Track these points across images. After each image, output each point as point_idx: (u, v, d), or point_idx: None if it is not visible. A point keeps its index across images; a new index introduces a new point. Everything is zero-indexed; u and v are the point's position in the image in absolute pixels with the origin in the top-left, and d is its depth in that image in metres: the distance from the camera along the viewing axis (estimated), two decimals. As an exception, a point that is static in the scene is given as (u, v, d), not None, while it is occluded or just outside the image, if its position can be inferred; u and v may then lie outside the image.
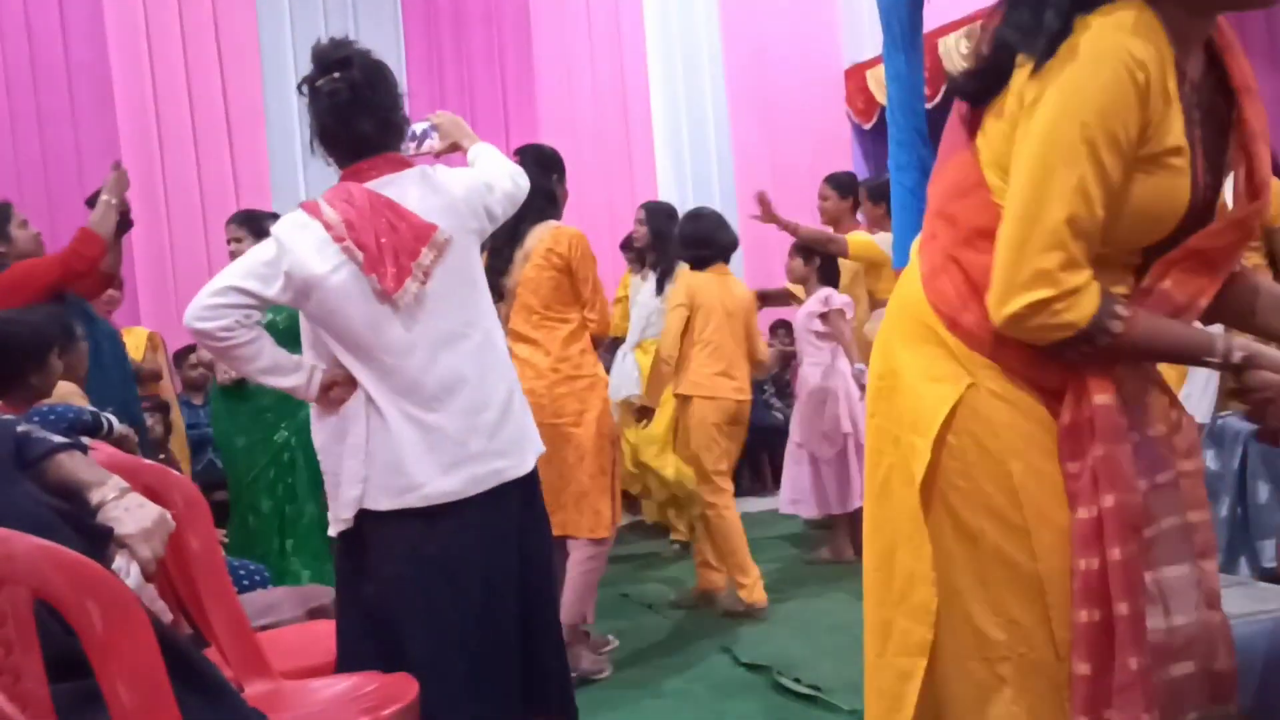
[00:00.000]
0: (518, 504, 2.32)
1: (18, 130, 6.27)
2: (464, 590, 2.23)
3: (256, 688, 2.01)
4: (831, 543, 4.91)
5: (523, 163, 2.95)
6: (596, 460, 3.41)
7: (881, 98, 7.51)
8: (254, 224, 4.36)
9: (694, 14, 7.75)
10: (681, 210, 4.90)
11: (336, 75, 2.22)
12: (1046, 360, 1.41)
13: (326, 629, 2.56)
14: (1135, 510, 1.38)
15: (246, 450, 4.28)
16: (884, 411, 1.54)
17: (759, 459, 6.72)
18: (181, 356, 5.81)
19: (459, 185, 2.31)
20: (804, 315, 4.79)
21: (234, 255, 4.31)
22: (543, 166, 3.47)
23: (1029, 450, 1.42)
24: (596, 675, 3.46)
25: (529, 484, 2.36)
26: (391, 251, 2.17)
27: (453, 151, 2.57)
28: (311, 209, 2.24)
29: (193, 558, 2.05)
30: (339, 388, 2.27)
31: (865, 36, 7.71)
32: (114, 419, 2.86)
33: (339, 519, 2.30)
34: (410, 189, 2.26)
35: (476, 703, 2.22)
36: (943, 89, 6.34)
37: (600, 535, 3.44)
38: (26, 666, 1.13)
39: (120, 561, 1.54)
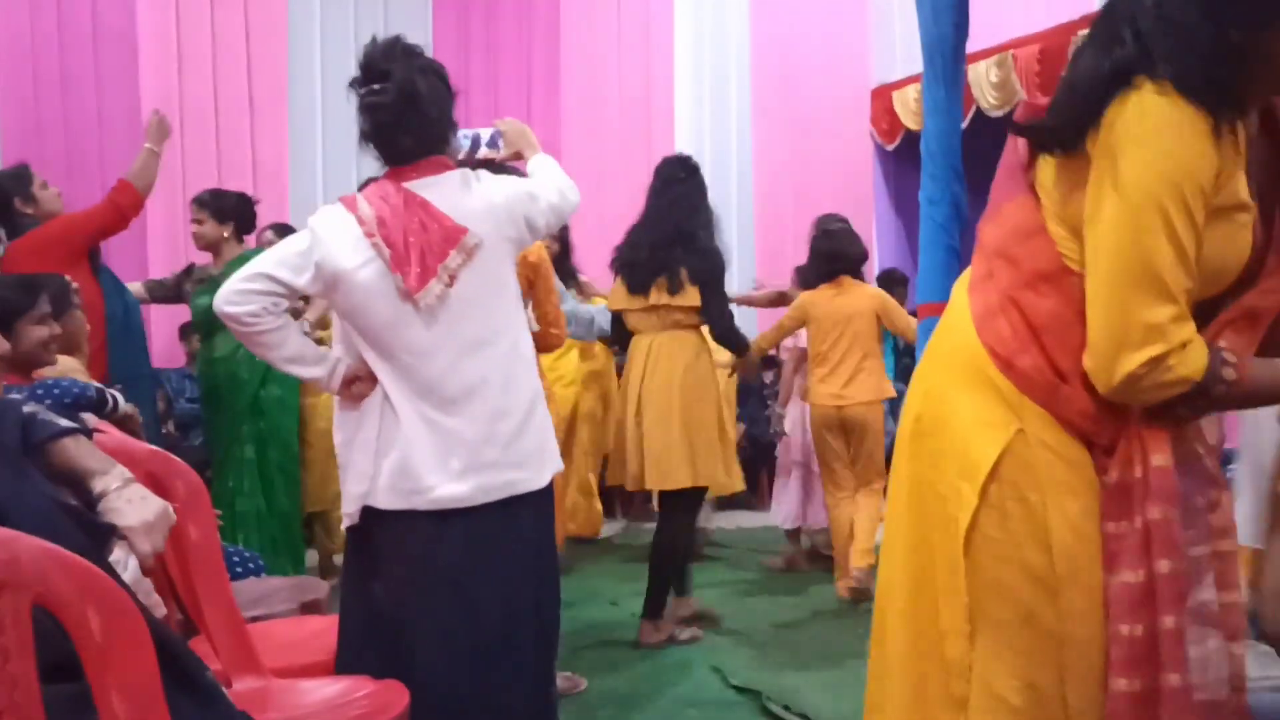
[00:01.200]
0: (531, 519, 2.28)
1: (40, 92, 6.25)
2: (474, 603, 2.20)
3: (246, 684, 1.98)
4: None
5: None
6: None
7: (907, 120, 7.50)
8: (216, 204, 4.36)
9: (724, 24, 7.73)
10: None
11: (375, 88, 2.21)
12: (1106, 415, 1.37)
13: (320, 625, 2.53)
14: (1188, 579, 1.34)
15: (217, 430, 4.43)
16: (921, 455, 1.50)
17: (758, 474, 6.69)
18: (187, 330, 5.79)
19: (499, 193, 2.29)
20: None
21: (195, 236, 4.34)
22: None
23: (1071, 506, 1.38)
24: (571, 692, 3.42)
25: (543, 501, 2.31)
26: (418, 251, 2.16)
27: (515, 160, 2.55)
28: (349, 203, 2.25)
29: (191, 547, 2.03)
30: (360, 383, 2.26)
31: (895, 58, 7.69)
32: (119, 396, 2.83)
33: (346, 514, 2.29)
34: (448, 192, 2.25)
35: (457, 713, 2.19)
36: (970, 115, 6.34)
37: None
38: (22, 673, 1.10)
39: (119, 554, 1.52)
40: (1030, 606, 1.39)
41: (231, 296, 2.17)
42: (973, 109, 6.66)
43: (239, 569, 2.97)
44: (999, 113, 6.65)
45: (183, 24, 6.57)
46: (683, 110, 7.57)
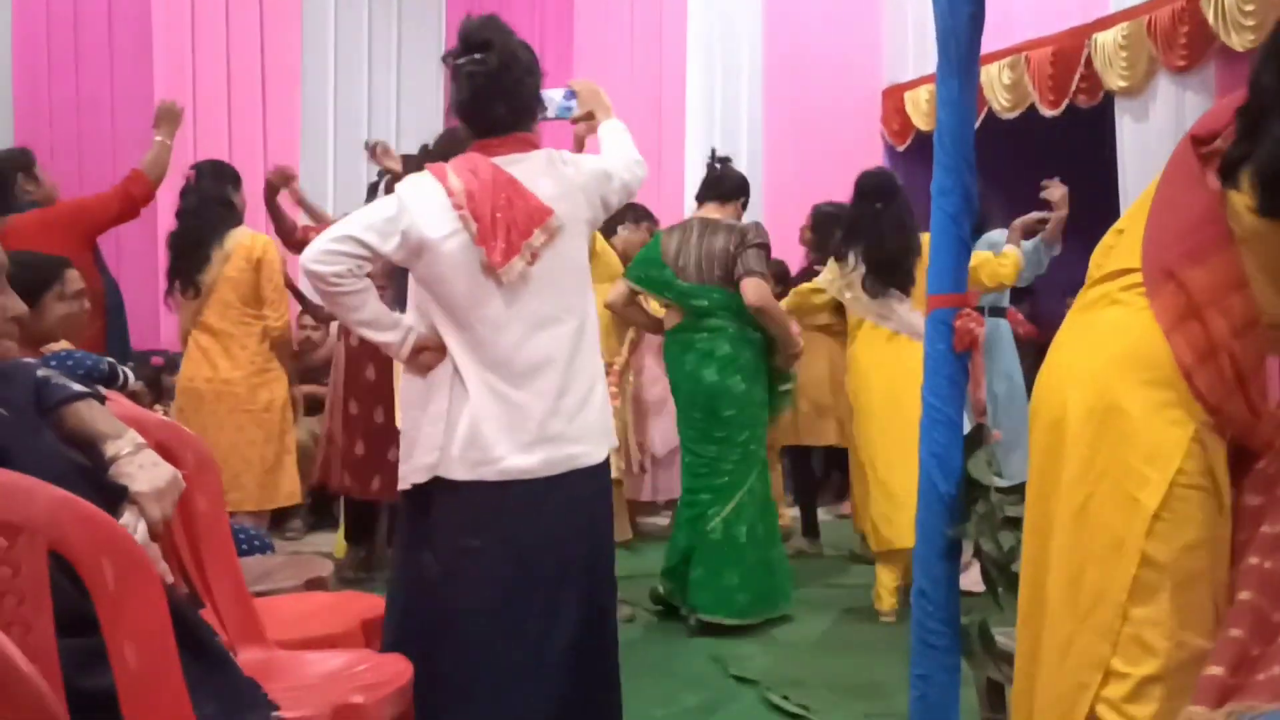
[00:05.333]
0: (588, 492, 2.33)
1: (54, 72, 6.27)
2: (531, 572, 2.25)
3: (251, 654, 1.99)
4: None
5: (200, 175, 4.20)
6: (282, 441, 4.32)
7: (917, 120, 7.49)
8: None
9: (737, 23, 7.72)
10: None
11: (477, 57, 2.27)
12: (1256, 429, 1.66)
13: (323, 601, 2.55)
14: None
15: None
16: (1096, 441, 1.71)
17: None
18: None
19: (581, 174, 2.35)
20: None
21: None
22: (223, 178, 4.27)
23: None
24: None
25: (601, 475, 2.37)
26: (505, 227, 2.21)
27: (588, 120, 2.57)
28: (439, 173, 2.29)
29: (199, 518, 2.03)
30: (429, 352, 2.30)
31: (907, 58, 7.68)
32: (130, 372, 2.85)
33: (407, 480, 2.32)
34: (534, 171, 2.30)
35: (524, 685, 2.22)
36: (982, 116, 6.34)
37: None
38: (37, 618, 1.11)
39: (128, 518, 1.53)
40: (1190, 576, 1.64)
41: (320, 256, 2.20)
42: (984, 111, 6.66)
43: (244, 546, 2.99)
44: (1011, 115, 6.65)
45: (197, 8, 6.59)
46: (694, 107, 7.57)
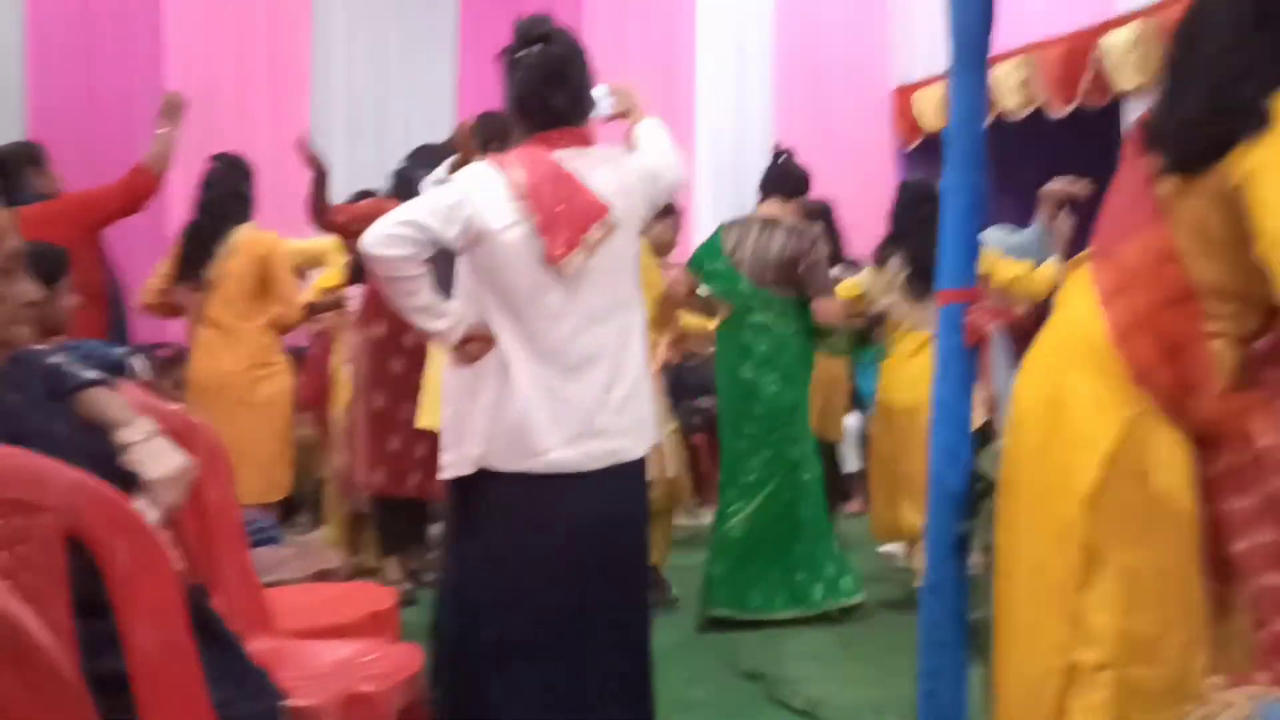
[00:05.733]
0: (628, 487, 2.36)
1: (67, 69, 6.28)
2: (570, 563, 2.28)
3: (260, 643, 2.00)
4: None
5: (218, 168, 4.32)
6: (285, 435, 4.38)
7: (925, 122, 7.49)
8: None
9: (748, 22, 7.72)
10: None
11: (537, 49, 2.31)
12: (1218, 419, 1.63)
13: (331, 592, 2.55)
14: None
15: None
16: (1044, 431, 1.75)
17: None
18: None
19: (635, 172, 2.39)
20: None
21: None
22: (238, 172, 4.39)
23: (1179, 477, 1.65)
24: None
25: (639, 472, 2.39)
26: (566, 220, 2.23)
27: (623, 118, 2.57)
28: (501, 162, 2.32)
29: (210, 507, 2.04)
30: (475, 343, 2.30)
31: (916, 58, 7.68)
32: (136, 364, 2.86)
33: (453, 470, 2.33)
34: (594, 166, 2.33)
35: (560, 676, 2.26)
36: (992, 117, 6.33)
37: None
38: (55, 597, 1.12)
39: (140, 504, 1.54)
40: (1136, 563, 1.65)
41: (383, 239, 2.21)
42: (994, 112, 6.66)
43: (255, 538, 2.99)
44: (1021, 114, 6.64)
45: (208, 4, 6.60)
46: (704, 108, 7.58)
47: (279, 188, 6.70)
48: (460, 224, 2.23)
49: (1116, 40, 6.04)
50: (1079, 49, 6.32)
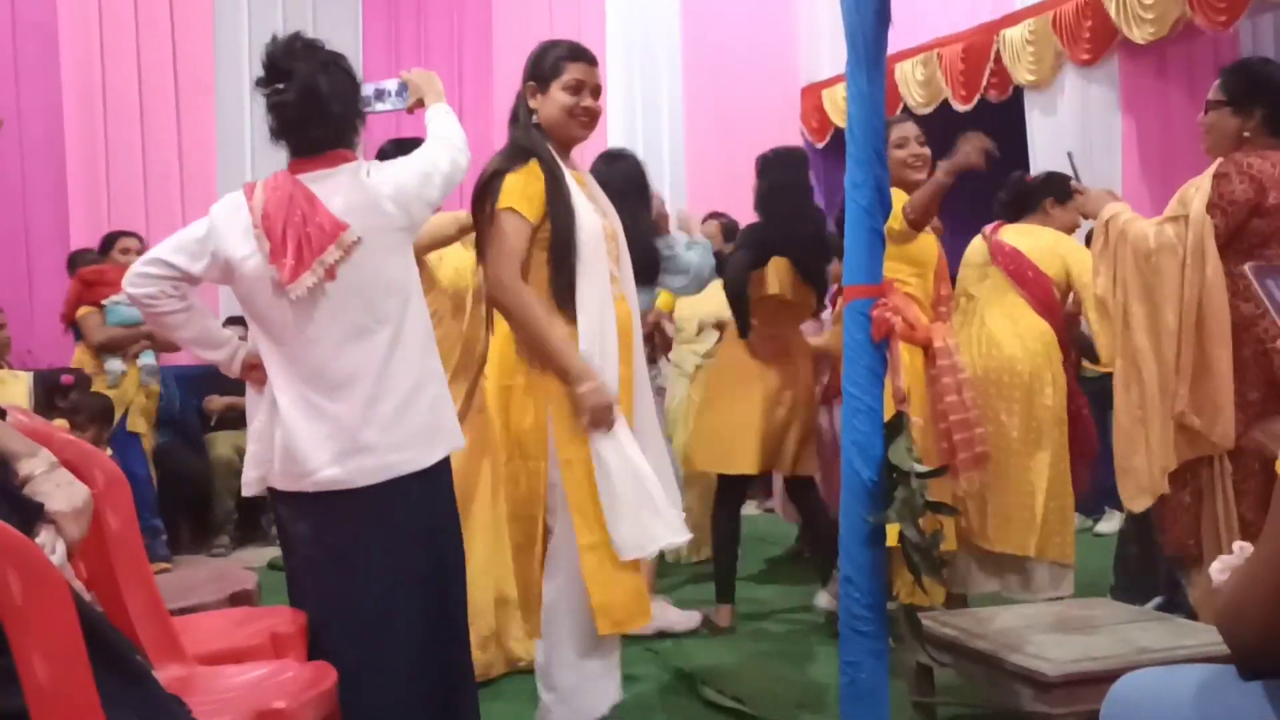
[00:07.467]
0: (418, 497, 2.32)
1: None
2: (356, 575, 2.28)
3: (170, 672, 1.96)
4: None
5: None
6: None
7: (836, 118, 7.59)
8: None
9: (655, 23, 7.76)
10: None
11: (281, 87, 2.28)
12: None
13: (241, 615, 2.51)
14: None
15: None
16: None
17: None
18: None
19: (389, 184, 2.32)
20: None
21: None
22: None
23: None
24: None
25: (434, 479, 2.35)
26: (295, 244, 2.21)
27: (419, 108, 2.57)
28: (248, 191, 2.33)
29: (111, 536, 1.99)
30: (259, 369, 2.34)
31: (823, 56, 7.79)
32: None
33: (245, 486, 2.40)
34: (338, 186, 2.29)
35: (371, 694, 2.23)
36: (899, 111, 6.45)
37: None
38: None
39: (45, 537, 1.49)
40: None
41: (133, 279, 2.30)
42: (900, 106, 6.78)
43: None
44: (925, 110, 6.77)
45: (105, 17, 6.44)
46: (615, 107, 7.59)
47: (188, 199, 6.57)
48: (207, 258, 2.28)
49: (1015, 35, 6.19)
50: (979, 44, 6.47)
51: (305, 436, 2.23)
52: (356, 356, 2.25)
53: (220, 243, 2.27)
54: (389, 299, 2.30)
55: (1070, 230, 3.95)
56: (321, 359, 2.25)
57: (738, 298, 3.97)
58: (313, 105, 2.26)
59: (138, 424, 4.89)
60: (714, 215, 5.53)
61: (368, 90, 2.47)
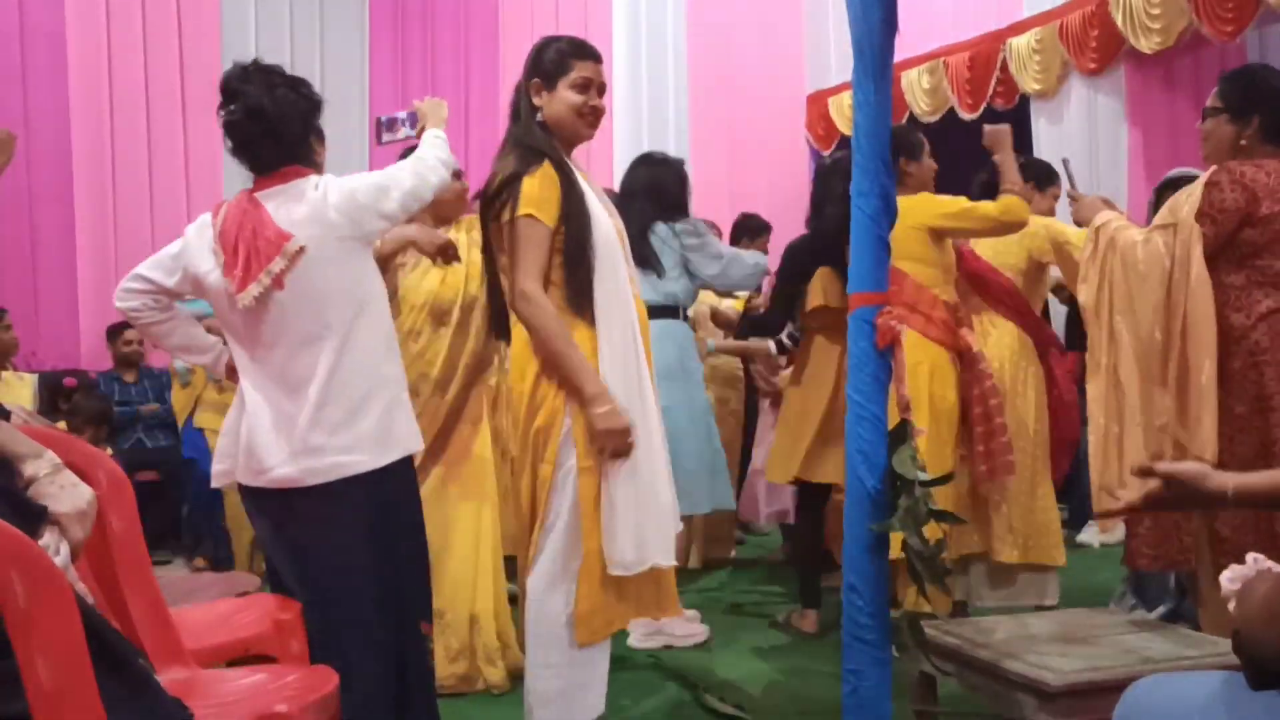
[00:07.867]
0: (364, 498, 2.38)
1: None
2: (306, 571, 2.40)
3: (172, 675, 1.96)
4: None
5: None
6: None
7: (842, 126, 7.60)
8: None
9: (662, 30, 7.77)
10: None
11: (232, 108, 2.40)
12: None
13: (232, 606, 2.52)
14: None
15: None
16: None
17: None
18: (115, 332, 5.70)
19: (336, 193, 2.41)
20: None
21: None
22: None
23: None
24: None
25: (382, 481, 2.41)
26: (244, 257, 2.34)
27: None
28: (215, 210, 2.48)
29: (113, 538, 1.99)
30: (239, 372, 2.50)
31: (829, 64, 7.79)
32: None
33: (213, 479, 2.57)
34: (286, 200, 2.40)
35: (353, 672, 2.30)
36: (904, 119, 6.45)
37: None
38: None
39: (49, 539, 1.50)
40: None
41: (119, 294, 2.51)
42: (906, 114, 6.78)
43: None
44: (931, 118, 6.77)
45: (113, 25, 6.46)
46: (620, 115, 7.60)
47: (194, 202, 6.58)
48: (180, 273, 2.47)
49: (1021, 44, 6.19)
50: (986, 53, 6.47)
51: (265, 435, 2.36)
52: (307, 361, 2.37)
53: (190, 259, 2.44)
54: (338, 307, 2.39)
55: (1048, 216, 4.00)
56: (279, 363, 2.39)
57: (788, 308, 4.01)
58: (259, 125, 2.38)
59: (205, 420, 4.95)
60: (746, 217, 5.51)
61: (382, 120, 2.69)
